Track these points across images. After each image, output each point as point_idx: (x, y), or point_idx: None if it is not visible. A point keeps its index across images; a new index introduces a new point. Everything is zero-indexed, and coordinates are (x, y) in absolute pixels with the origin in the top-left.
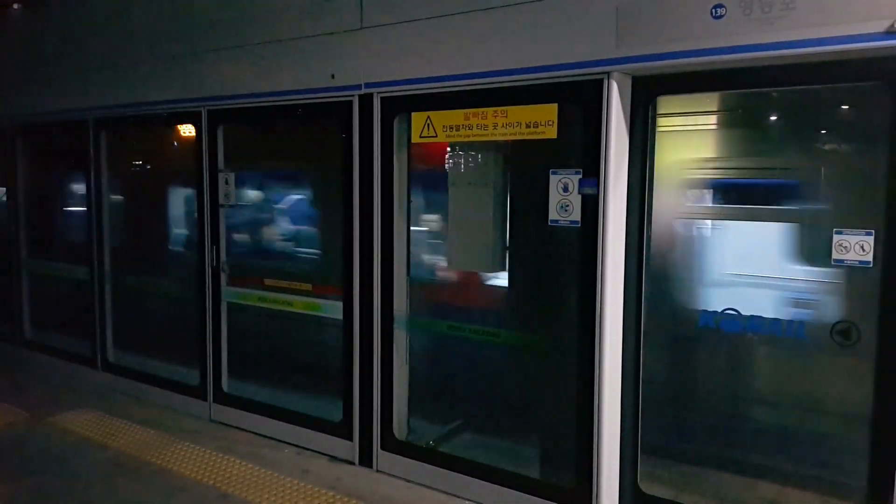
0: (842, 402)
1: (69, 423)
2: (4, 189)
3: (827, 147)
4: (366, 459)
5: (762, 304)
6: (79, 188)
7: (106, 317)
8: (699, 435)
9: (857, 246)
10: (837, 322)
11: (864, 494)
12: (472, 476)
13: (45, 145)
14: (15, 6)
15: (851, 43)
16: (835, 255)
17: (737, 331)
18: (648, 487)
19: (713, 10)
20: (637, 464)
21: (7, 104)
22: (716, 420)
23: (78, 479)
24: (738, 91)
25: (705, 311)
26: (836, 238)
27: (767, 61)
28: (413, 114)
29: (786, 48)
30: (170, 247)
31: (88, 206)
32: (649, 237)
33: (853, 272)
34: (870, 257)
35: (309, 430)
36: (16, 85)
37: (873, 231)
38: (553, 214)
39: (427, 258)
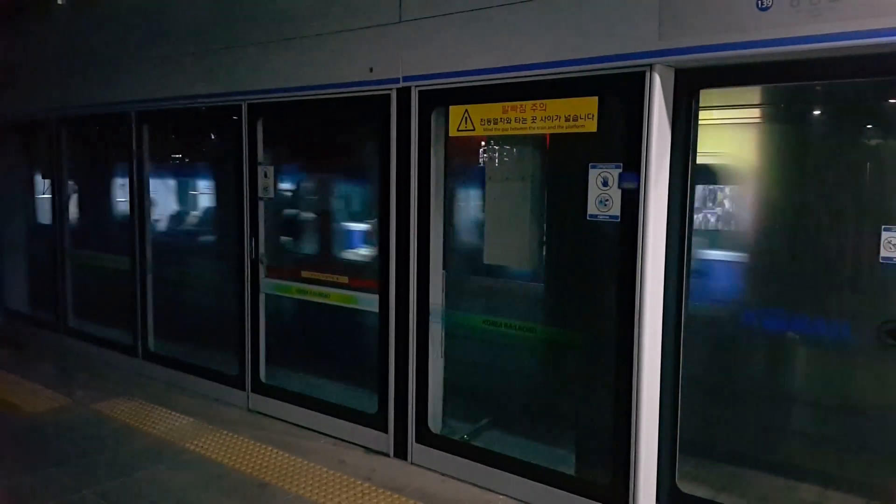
0: None
1: (111, 409)
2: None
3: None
4: (400, 452)
5: None
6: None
7: (147, 306)
8: None
9: None
10: None
11: None
12: (507, 471)
13: (88, 138)
14: (59, 1)
15: None
16: (883, 253)
17: None
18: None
19: (759, 2)
20: (675, 462)
21: (51, 98)
22: None
23: (121, 464)
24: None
25: None
26: (885, 235)
27: (815, 54)
28: (451, 107)
29: (834, 40)
30: (210, 238)
31: (131, 198)
32: (691, 232)
33: None
34: None
35: (344, 422)
36: (60, 79)
37: None
38: (592, 209)
39: None
